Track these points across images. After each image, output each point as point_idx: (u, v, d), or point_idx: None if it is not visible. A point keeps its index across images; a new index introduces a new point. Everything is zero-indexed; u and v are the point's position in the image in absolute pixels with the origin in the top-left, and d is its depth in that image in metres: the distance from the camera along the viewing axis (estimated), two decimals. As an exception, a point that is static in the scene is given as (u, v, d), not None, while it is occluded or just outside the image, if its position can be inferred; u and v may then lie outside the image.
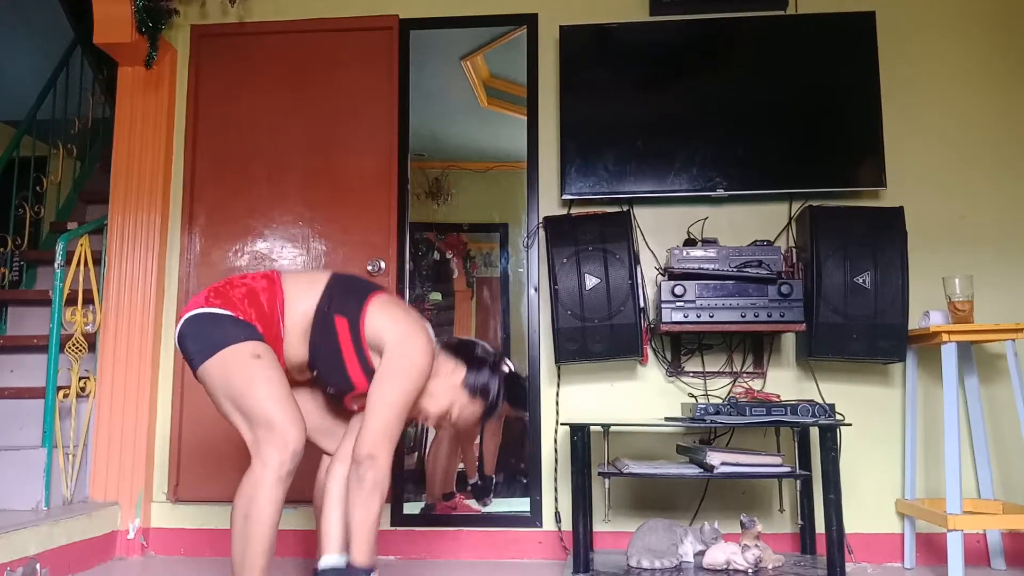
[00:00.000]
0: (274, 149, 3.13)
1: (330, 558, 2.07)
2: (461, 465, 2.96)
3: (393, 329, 1.95)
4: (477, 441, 2.94)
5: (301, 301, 1.98)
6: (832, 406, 2.42)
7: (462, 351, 2.13)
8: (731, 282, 2.61)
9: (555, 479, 2.86)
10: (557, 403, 2.90)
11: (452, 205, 3.08)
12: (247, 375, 1.85)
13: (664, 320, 2.62)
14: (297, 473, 1.89)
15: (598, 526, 2.72)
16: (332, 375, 2.00)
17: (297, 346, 1.98)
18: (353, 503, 1.92)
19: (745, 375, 2.84)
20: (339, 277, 2.06)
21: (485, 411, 2.11)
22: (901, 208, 2.68)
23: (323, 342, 1.97)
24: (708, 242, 2.83)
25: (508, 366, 2.18)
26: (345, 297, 1.99)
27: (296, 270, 1.98)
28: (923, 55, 2.97)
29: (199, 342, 1.89)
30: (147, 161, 3.12)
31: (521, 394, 2.88)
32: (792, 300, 2.59)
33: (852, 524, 2.70)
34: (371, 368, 1.97)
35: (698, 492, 2.80)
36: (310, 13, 3.19)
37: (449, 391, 2.06)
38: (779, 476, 2.53)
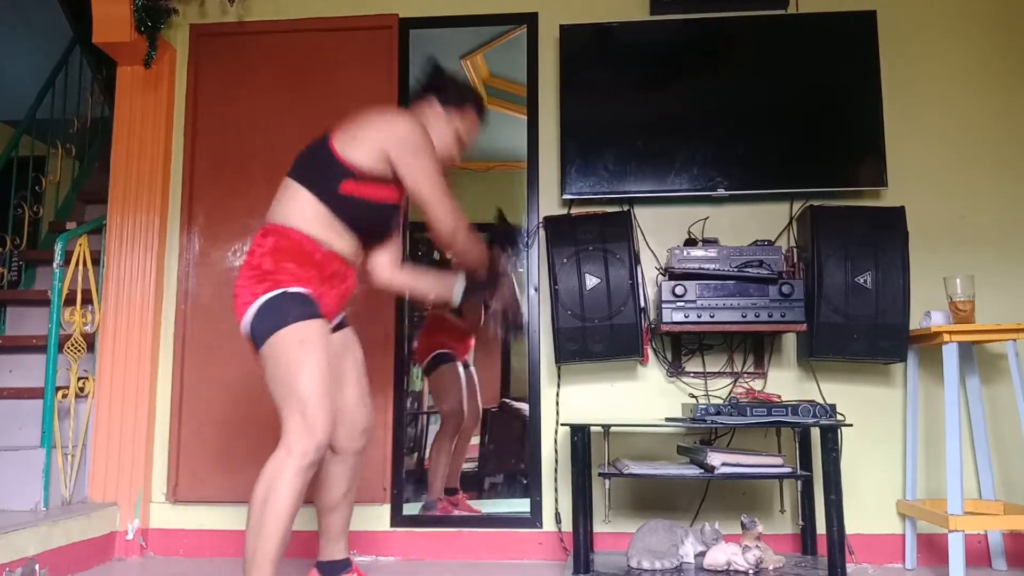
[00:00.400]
0: (273, 149, 3.12)
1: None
2: (463, 466, 2.95)
3: (378, 139, 1.96)
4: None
5: (303, 211, 1.95)
6: (833, 406, 2.42)
7: (419, 93, 2.18)
8: (732, 282, 2.61)
9: (555, 480, 2.85)
10: (557, 403, 2.89)
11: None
12: (292, 360, 1.85)
13: (664, 320, 2.61)
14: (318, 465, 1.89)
15: (598, 527, 2.71)
16: (379, 223, 2.06)
17: (340, 238, 1.98)
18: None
19: (746, 375, 2.84)
20: (296, 168, 2.02)
21: (477, 106, 2.18)
22: (902, 208, 2.68)
23: (354, 213, 1.97)
24: (709, 242, 2.82)
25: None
26: (321, 170, 1.97)
27: (272, 205, 1.96)
28: (924, 55, 2.97)
29: (260, 328, 1.89)
30: (146, 161, 3.11)
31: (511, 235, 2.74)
32: (793, 300, 2.58)
33: (853, 525, 2.69)
34: (392, 182, 2.00)
35: (699, 493, 2.80)
36: (309, 13, 3.19)
37: (442, 124, 2.13)
38: (780, 477, 2.53)
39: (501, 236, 2.35)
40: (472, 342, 3.00)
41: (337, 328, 2.12)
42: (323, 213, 1.95)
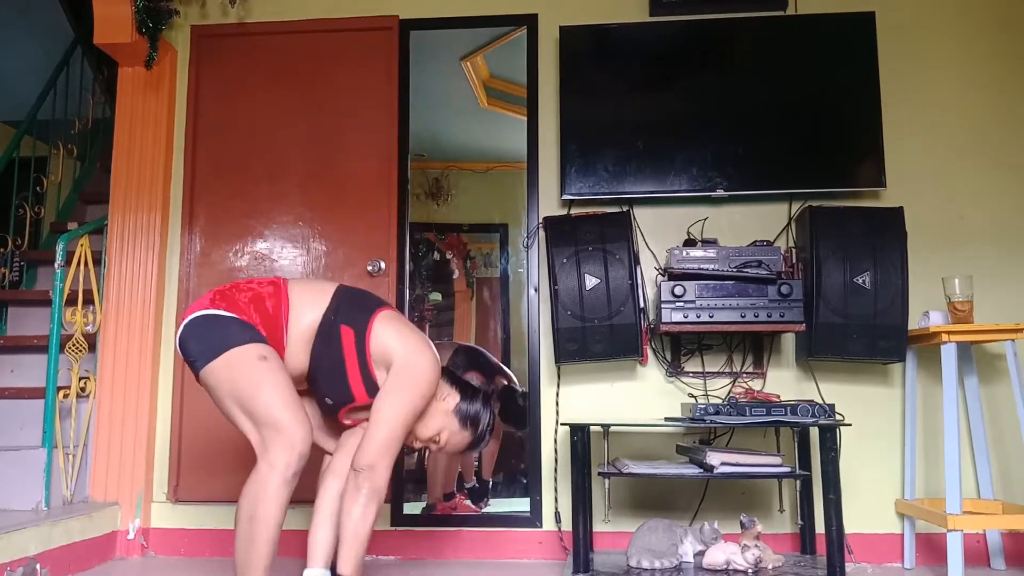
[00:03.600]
0: (274, 149, 3.13)
1: (314, 571, 2.07)
2: (460, 467, 2.96)
3: (401, 344, 1.96)
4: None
5: (307, 310, 1.98)
6: (832, 406, 2.42)
7: (458, 378, 2.16)
8: (731, 282, 2.62)
9: (555, 479, 2.86)
10: (557, 403, 2.90)
11: (452, 205, 3.08)
12: (254, 377, 1.85)
13: (664, 320, 2.62)
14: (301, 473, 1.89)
15: (598, 526, 2.72)
16: (333, 385, 2.00)
17: (298, 354, 1.99)
18: (348, 512, 1.93)
19: (745, 375, 2.85)
20: (346, 289, 2.06)
21: (473, 442, 2.13)
22: (901, 208, 2.69)
23: (327, 352, 1.97)
24: (708, 242, 2.83)
25: (508, 379, 2.19)
26: (352, 309, 1.99)
27: (302, 278, 1.98)
28: (923, 55, 2.98)
29: (202, 344, 1.89)
30: (147, 161, 3.12)
31: (519, 411, 2.89)
32: (792, 300, 2.59)
33: (852, 524, 2.70)
34: (373, 380, 1.98)
35: (698, 492, 2.80)
36: (310, 13, 3.20)
37: (440, 415, 2.08)
38: (779, 476, 2.53)
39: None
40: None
41: None
42: (312, 328, 1.97)
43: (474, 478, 2.94)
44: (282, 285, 2.01)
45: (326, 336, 1.97)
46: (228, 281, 3.01)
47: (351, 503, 1.92)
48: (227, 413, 1.91)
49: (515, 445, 2.93)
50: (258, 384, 1.85)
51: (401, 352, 1.95)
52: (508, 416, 2.89)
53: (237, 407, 1.87)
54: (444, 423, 2.08)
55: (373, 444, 1.91)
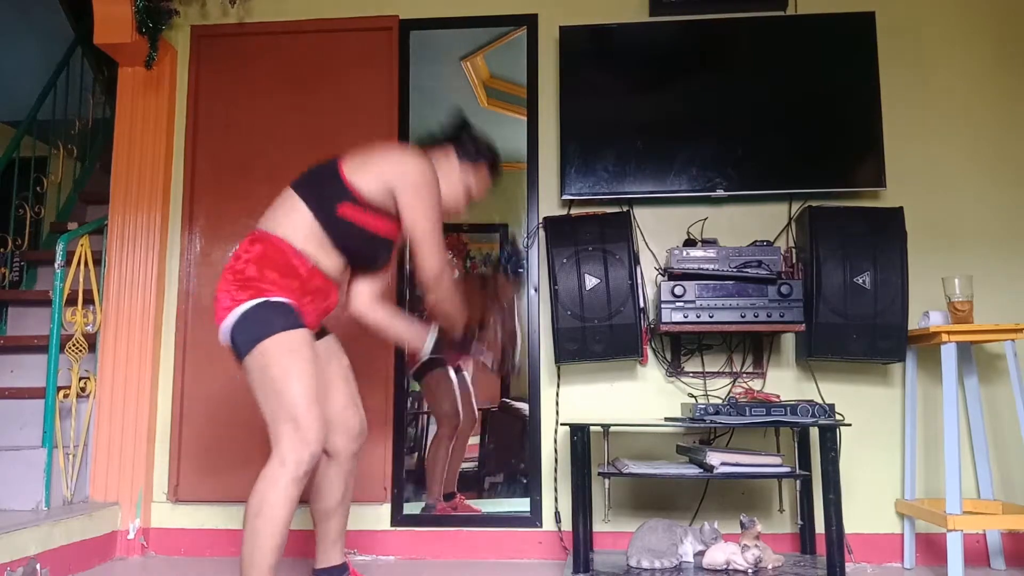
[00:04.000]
0: (274, 149, 3.13)
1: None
2: (463, 465, 2.96)
3: (386, 171, 1.97)
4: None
5: (295, 224, 1.95)
6: (832, 406, 2.42)
7: (438, 140, 2.19)
8: (731, 282, 2.62)
9: (555, 479, 2.86)
10: (557, 403, 2.90)
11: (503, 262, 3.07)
12: (281, 369, 1.85)
13: (664, 320, 2.62)
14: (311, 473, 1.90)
15: (598, 526, 2.72)
16: (369, 253, 2.05)
17: (330, 256, 1.98)
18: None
19: (745, 375, 2.85)
20: (300, 182, 2.02)
21: (491, 165, 2.19)
22: (901, 208, 2.69)
23: (346, 236, 1.98)
24: (708, 242, 2.83)
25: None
26: (324, 188, 1.98)
27: (268, 212, 1.96)
28: (923, 55, 2.98)
29: (242, 335, 1.88)
30: (147, 161, 3.12)
31: (517, 260, 2.89)
32: (792, 300, 2.59)
33: (852, 524, 2.70)
34: (391, 217, 2.01)
35: (698, 492, 2.80)
36: (310, 13, 3.20)
37: (454, 174, 2.14)
38: (779, 476, 2.53)
39: (508, 260, 2.34)
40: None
41: (319, 336, 2.12)
42: (316, 230, 1.95)
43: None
44: (260, 234, 1.96)
45: (334, 226, 1.96)
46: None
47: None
48: (259, 403, 1.90)
49: (515, 444, 2.93)
50: (285, 377, 1.84)
51: (390, 178, 1.96)
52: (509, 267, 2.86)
53: (264, 398, 1.87)
54: (461, 177, 2.14)
55: (428, 255, 2.00)
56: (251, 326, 1.87)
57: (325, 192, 1.97)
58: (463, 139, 2.17)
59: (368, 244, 2.02)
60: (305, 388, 1.85)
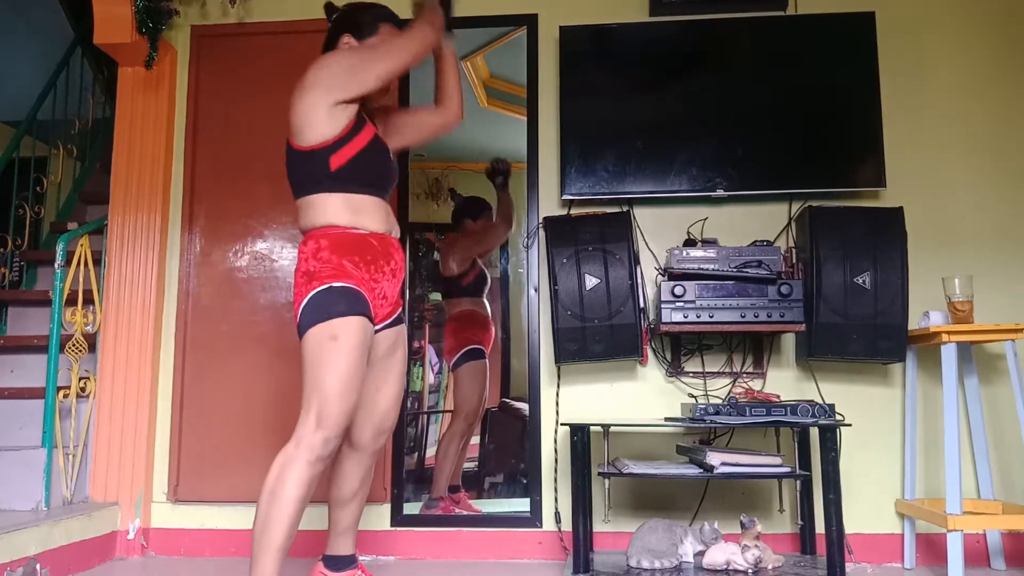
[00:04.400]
0: (274, 149, 3.09)
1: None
2: (466, 464, 2.96)
3: (308, 103, 1.94)
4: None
5: (322, 209, 1.98)
6: (832, 406, 2.42)
7: (332, 40, 2.11)
8: (731, 282, 2.61)
9: (555, 479, 2.86)
10: (557, 403, 2.90)
11: (452, 205, 3.08)
12: (321, 355, 1.87)
13: (664, 320, 2.62)
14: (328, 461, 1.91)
15: (598, 526, 2.72)
16: (383, 165, 2.06)
17: (367, 216, 1.99)
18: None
19: (745, 375, 2.84)
20: (292, 188, 2.06)
21: (389, 19, 2.12)
22: (901, 208, 2.68)
23: (359, 176, 1.99)
24: (708, 242, 2.83)
25: None
26: (304, 171, 2.00)
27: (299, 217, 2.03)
28: (923, 55, 2.98)
29: (303, 322, 1.92)
30: (147, 161, 3.12)
31: None
32: (792, 300, 2.59)
33: (852, 524, 2.70)
34: (359, 125, 1.99)
35: (698, 492, 2.80)
36: (310, 13, 3.18)
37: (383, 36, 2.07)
38: (779, 476, 2.53)
39: None
40: (492, 335, 3.00)
41: (391, 324, 2.12)
42: (337, 201, 1.97)
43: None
44: (308, 235, 1.99)
45: (342, 180, 1.97)
46: (228, 281, 3.04)
47: None
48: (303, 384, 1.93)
49: (516, 444, 2.93)
50: (323, 363, 1.87)
51: (307, 101, 1.94)
52: None
53: (304, 380, 1.90)
54: (382, 37, 2.07)
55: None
56: (311, 311, 1.90)
57: (309, 171, 1.98)
58: (351, 20, 2.10)
59: (376, 159, 2.02)
60: (340, 377, 1.87)
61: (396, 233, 2.09)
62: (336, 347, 1.87)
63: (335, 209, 1.97)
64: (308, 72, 1.98)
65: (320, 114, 1.94)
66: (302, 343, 1.91)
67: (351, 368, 1.89)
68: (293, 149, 2.01)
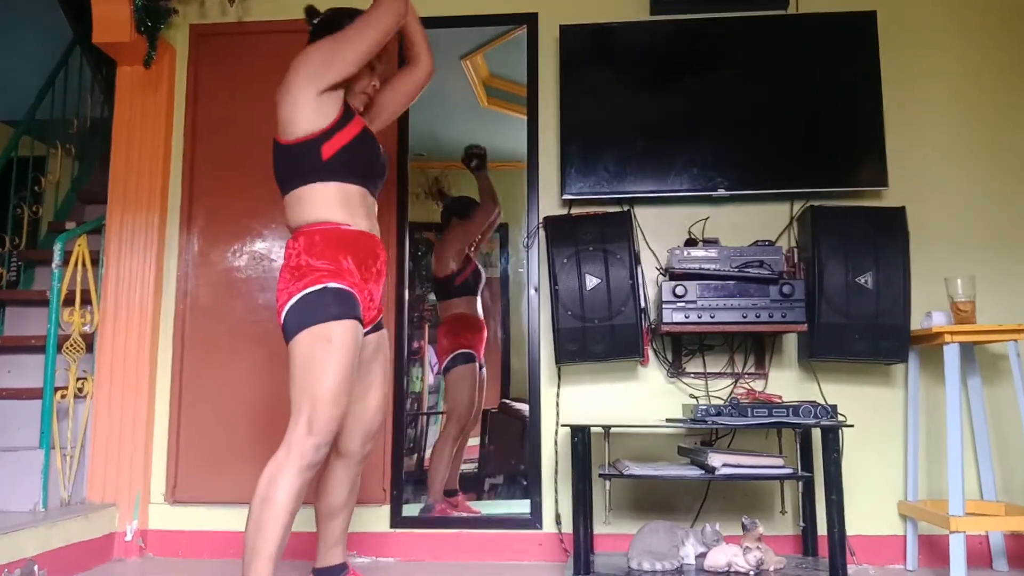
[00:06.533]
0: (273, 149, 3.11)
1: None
2: (462, 466, 2.95)
3: (293, 97, 1.98)
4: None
5: (313, 204, 1.98)
6: (834, 407, 2.41)
7: (315, 38, 2.09)
8: (732, 282, 2.60)
9: (555, 481, 2.85)
10: (557, 404, 2.89)
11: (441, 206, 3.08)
12: (314, 359, 1.85)
13: (665, 320, 2.60)
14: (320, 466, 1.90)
15: (599, 528, 2.70)
16: (372, 156, 2.07)
17: (356, 212, 2.00)
18: None
19: (746, 376, 2.83)
20: (280, 183, 2.07)
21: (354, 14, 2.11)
22: (903, 208, 2.67)
23: (351, 166, 2.01)
24: (709, 242, 2.82)
25: None
26: (295, 164, 2.01)
27: (286, 215, 2.01)
28: (925, 54, 2.97)
29: (290, 321, 1.90)
30: (146, 161, 3.11)
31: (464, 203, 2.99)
32: (794, 300, 2.58)
33: (854, 526, 2.68)
34: (346, 117, 2.00)
35: (699, 494, 2.79)
36: (309, 12, 3.18)
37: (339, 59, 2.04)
38: (781, 478, 2.52)
39: None
40: (484, 337, 3.00)
41: (375, 329, 2.11)
42: (330, 192, 1.96)
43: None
44: (298, 232, 1.98)
45: (332, 170, 1.97)
46: (226, 281, 3.02)
47: None
48: (290, 387, 1.91)
49: (516, 445, 2.92)
50: (312, 368, 1.85)
51: (293, 93, 1.97)
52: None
53: (293, 383, 1.88)
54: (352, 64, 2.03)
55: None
56: (301, 312, 1.88)
57: (299, 163, 1.98)
58: (330, 22, 2.09)
59: (366, 149, 2.02)
60: (333, 381, 1.85)
61: (378, 233, 2.08)
62: (331, 350, 1.85)
63: (327, 202, 1.96)
64: (289, 68, 1.99)
65: (307, 105, 1.95)
66: (291, 345, 1.88)
67: (345, 373, 1.87)
68: (281, 145, 2.02)
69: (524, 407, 2.92)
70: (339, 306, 1.88)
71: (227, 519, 2.90)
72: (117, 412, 2.94)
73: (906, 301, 2.58)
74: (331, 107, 1.96)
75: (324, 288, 1.89)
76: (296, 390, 1.86)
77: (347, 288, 1.91)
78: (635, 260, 2.72)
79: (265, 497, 1.81)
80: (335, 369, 1.85)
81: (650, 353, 2.85)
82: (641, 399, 2.87)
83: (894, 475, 2.76)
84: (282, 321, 1.91)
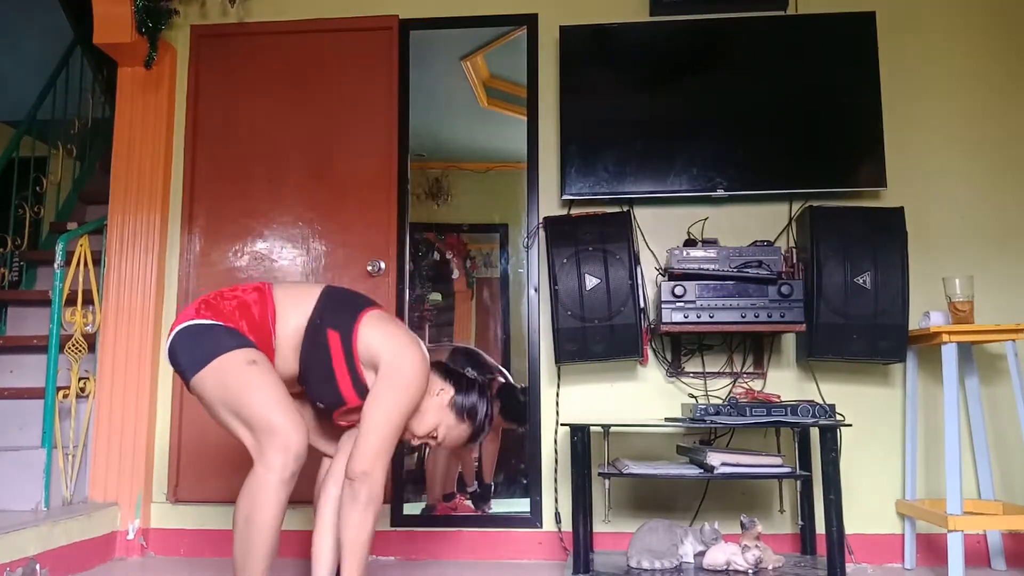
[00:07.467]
0: (274, 149, 3.13)
1: None
2: (461, 468, 2.96)
3: (387, 344, 1.94)
4: (476, 449, 2.94)
5: (293, 314, 1.97)
6: (832, 406, 2.42)
7: (452, 372, 2.12)
8: (731, 282, 2.61)
9: (555, 480, 2.86)
10: (557, 403, 2.90)
11: (452, 205, 3.08)
12: (244, 381, 1.84)
13: (664, 320, 2.61)
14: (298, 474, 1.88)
15: (598, 527, 2.71)
16: (323, 389, 1.99)
17: (288, 359, 1.97)
18: (346, 520, 1.91)
19: (745, 375, 2.84)
20: (332, 290, 2.04)
21: (472, 434, 2.10)
22: (901, 208, 2.68)
23: (314, 356, 1.95)
24: (708, 242, 2.83)
25: (505, 378, 2.16)
26: (338, 311, 1.98)
27: (288, 282, 1.95)
28: (924, 55, 2.97)
29: (191, 354, 1.88)
30: (147, 161, 3.12)
31: (518, 407, 2.89)
32: (792, 300, 2.59)
33: (852, 525, 2.69)
34: (362, 383, 1.96)
35: (698, 493, 2.80)
36: (310, 13, 3.19)
37: (436, 411, 2.05)
38: (779, 477, 2.53)
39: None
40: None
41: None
42: (300, 332, 1.95)
43: (475, 482, 2.93)
44: (267, 291, 1.99)
45: (313, 340, 1.95)
46: (227, 281, 3.03)
47: (349, 511, 1.91)
48: (221, 420, 1.89)
49: (515, 445, 2.93)
50: (249, 388, 1.84)
51: (387, 353, 1.93)
52: (508, 414, 2.90)
53: (230, 413, 1.86)
54: (440, 418, 2.05)
55: (366, 450, 1.89)
56: (202, 343, 1.87)
57: (335, 314, 1.96)
58: (469, 393, 2.09)
59: (322, 377, 1.97)
60: (271, 394, 1.84)
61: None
62: (258, 369, 1.86)
63: (296, 325, 1.97)
64: (420, 361, 1.96)
65: (376, 349, 1.96)
66: (207, 374, 1.86)
67: (281, 384, 1.89)
68: (362, 312, 1.99)
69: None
70: (236, 339, 1.89)
71: (229, 518, 2.89)
72: (119, 411, 2.95)
73: (904, 301, 2.59)
74: (371, 369, 1.99)
75: (219, 325, 1.91)
76: (241, 416, 1.86)
77: (237, 330, 1.92)
78: (634, 260, 2.73)
79: (250, 516, 1.81)
80: (272, 382, 1.87)
81: (649, 353, 2.86)
82: (640, 398, 2.88)
83: (892, 474, 2.77)
84: (172, 351, 1.92)
